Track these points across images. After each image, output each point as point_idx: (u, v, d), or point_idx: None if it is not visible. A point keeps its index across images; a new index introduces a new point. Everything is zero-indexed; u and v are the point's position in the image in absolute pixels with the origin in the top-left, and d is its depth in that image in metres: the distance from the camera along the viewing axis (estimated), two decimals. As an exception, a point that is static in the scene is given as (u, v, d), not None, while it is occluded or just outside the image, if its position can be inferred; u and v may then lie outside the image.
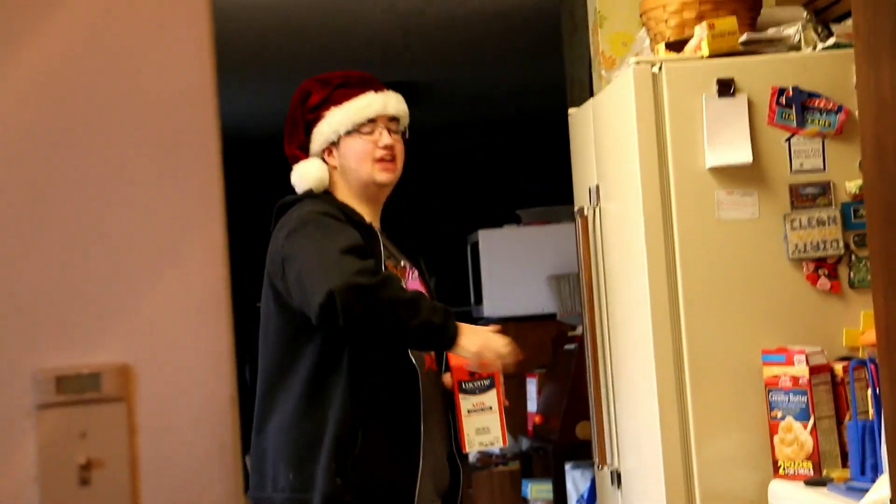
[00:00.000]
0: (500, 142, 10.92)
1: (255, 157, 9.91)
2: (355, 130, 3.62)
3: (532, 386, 6.47)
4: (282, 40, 7.85)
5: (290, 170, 3.64)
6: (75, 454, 1.78)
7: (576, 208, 4.07)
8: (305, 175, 3.62)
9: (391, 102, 3.67)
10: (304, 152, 3.68)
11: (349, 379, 3.46)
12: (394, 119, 3.65)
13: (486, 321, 6.89)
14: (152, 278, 1.89)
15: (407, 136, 3.68)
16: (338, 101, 3.64)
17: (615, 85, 3.75)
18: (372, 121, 3.62)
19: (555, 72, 7.86)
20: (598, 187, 3.88)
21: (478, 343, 3.38)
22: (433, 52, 8.08)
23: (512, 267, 7.41)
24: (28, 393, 1.80)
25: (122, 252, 1.88)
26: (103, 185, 1.88)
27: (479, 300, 7.96)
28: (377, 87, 3.70)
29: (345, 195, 3.65)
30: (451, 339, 3.40)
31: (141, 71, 1.90)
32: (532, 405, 6.44)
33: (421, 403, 3.53)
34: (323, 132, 3.64)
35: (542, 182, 9.81)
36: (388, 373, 3.51)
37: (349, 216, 3.55)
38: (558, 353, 6.30)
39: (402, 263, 3.64)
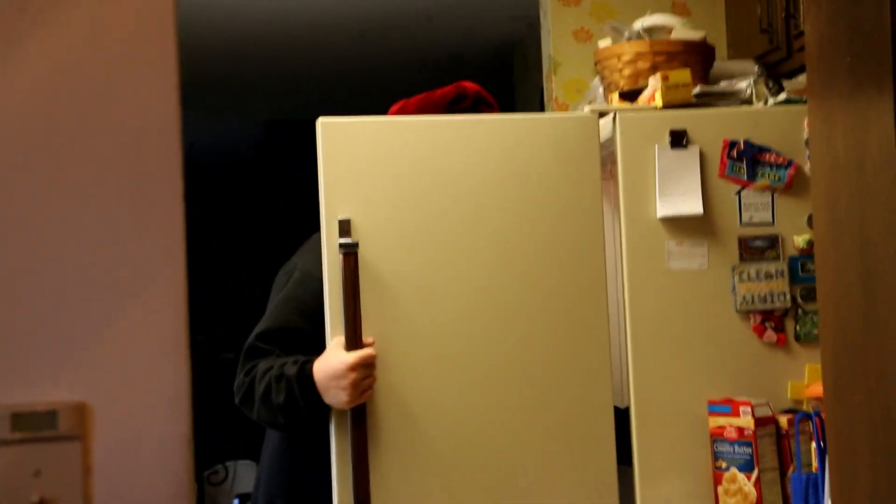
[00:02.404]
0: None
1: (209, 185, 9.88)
2: None
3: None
4: (245, 74, 7.86)
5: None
6: (29, 493, 1.77)
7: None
8: None
9: None
10: None
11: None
12: None
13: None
14: (112, 316, 1.89)
15: None
16: None
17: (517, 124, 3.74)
18: None
19: (504, 112, 7.90)
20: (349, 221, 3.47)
21: (340, 395, 3.24)
22: (386, 92, 8.10)
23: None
24: (-16, 429, 1.78)
25: (81, 289, 1.88)
26: (64, 222, 1.87)
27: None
28: None
29: None
30: (312, 407, 3.26)
31: (105, 109, 1.90)
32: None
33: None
34: None
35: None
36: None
37: None
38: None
39: None
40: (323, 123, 3.42)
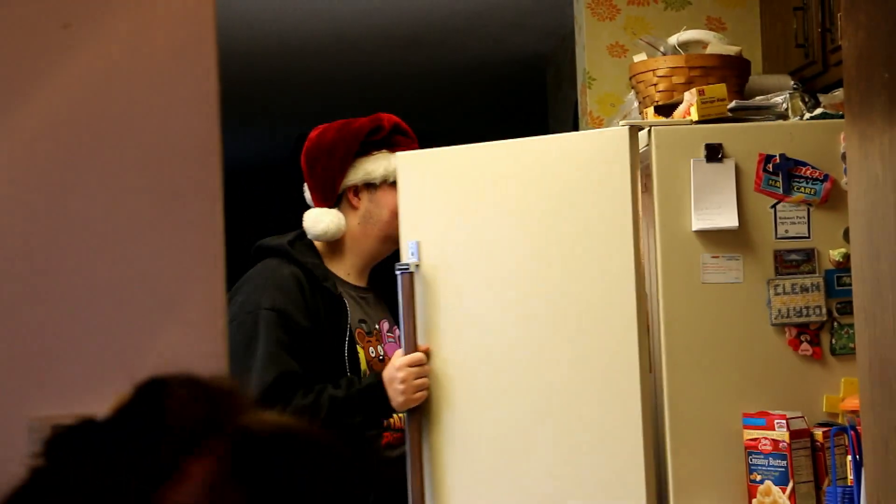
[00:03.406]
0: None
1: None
2: (392, 183, 3.58)
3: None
4: (272, 89, 7.89)
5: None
6: None
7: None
8: (323, 225, 3.55)
9: None
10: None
11: None
12: None
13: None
14: (152, 329, 1.90)
15: None
16: (393, 147, 3.61)
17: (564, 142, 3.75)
18: None
19: (537, 125, 7.91)
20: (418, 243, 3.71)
21: (397, 397, 3.44)
22: (418, 103, 8.13)
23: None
24: (23, 441, 1.80)
25: (122, 302, 1.89)
26: (106, 236, 1.89)
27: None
28: (417, 145, 3.66)
29: (349, 245, 3.61)
30: (385, 412, 3.47)
31: (147, 124, 1.92)
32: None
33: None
34: (369, 170, 3.58)
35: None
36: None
37: (318, 283, 3.52)
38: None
39: (377, 326, 3.60)
40: (399, 157, 3.61)
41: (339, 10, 6.24)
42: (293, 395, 3.36)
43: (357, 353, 3.51)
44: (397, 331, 3.63)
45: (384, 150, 3.58)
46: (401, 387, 3.44)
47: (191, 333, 1.91)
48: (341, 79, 7.75)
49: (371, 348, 3.56)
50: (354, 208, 3.58)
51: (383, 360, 3.56)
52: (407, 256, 3.58)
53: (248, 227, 11.68)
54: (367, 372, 3.51)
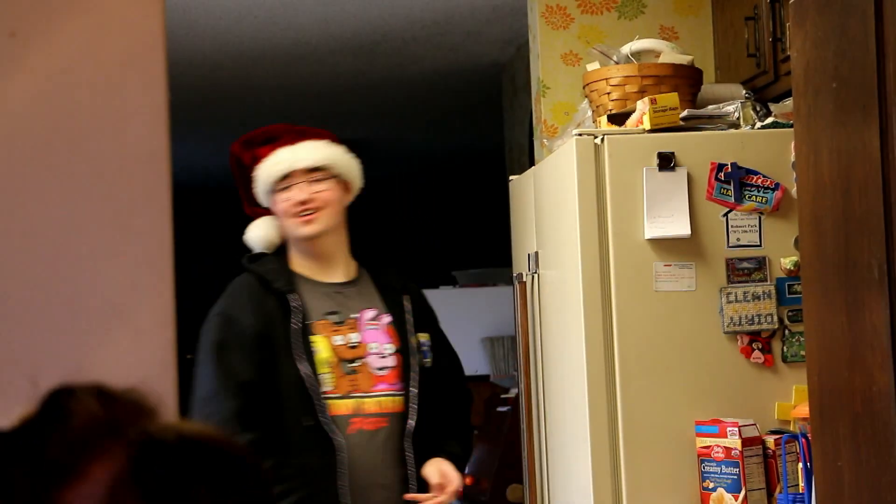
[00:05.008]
0: (438, 201, 10.98)
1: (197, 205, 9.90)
2: (276, 190, 3.60)
3: (464, 447, 6.48)
4: (231, 97, 7.87)
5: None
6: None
7: (514, 273, 4.09)
8: (252, 237, 3.72)
9: (302, 154, 3.62)
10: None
11: None
12: (318, 169, 3.62)
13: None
14: (101, 337, 1.89)
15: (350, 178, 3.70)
16: (262, 159, 3.66)
17: (558, 155, 3.80)
18: (286, 177, 3.60)
19: (493, 134, 7.92)
20: (537, 254, 3.92)
21: None
22: (375, 112, 8.13)
23: (446, 328, 7.43)
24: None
25: (71, 310, 1.88)
26: (54, 245, 1.88)
27: (412, 360, 7.99)
28: (292, 139, 3.65)
29: (292, 245, 3.70)
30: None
31: (97, 135, 1.91)
32: (463, 466, 6.45)
33: (342, 476, 3.48)
34: (258, 192, 3.69)
35: (477, 243, 9.85)
36: (297, 445, 3.50)
37: (268, 285, 3.58)
38: (491, 415, 6.32)
39: (356, 315, 3.61)
40: (512, 180, 4.31)
41: (296, 19, 6.23)
42: (233, 398, 3.49)
43: (311, 342, 3.53)
44: (385, 318, 3.65)
45: (258, 167, 3.66)
46: None
47: (141, 341, 1.91)
48: (298, 88, 7.74)
49: (338, 336, 3.56)
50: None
51: (356, 347, 3.56)
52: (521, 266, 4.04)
53: (222, 244, 11.66)
54: (332, 358, 3.53)
